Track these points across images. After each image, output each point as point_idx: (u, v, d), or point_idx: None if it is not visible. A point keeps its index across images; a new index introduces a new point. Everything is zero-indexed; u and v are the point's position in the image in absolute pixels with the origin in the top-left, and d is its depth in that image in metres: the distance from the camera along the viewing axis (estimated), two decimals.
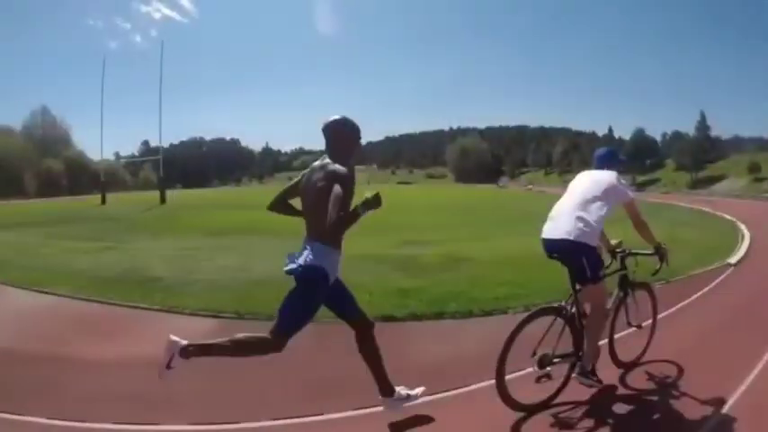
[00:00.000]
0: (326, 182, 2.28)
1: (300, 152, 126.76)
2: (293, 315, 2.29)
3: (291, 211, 2.59)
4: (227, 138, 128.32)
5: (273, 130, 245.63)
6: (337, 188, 2.22)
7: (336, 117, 2.48)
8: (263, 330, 2.33)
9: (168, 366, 2.25)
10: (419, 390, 2.62)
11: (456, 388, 2.87)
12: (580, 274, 2.74)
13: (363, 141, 2.70)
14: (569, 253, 2.74)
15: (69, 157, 65.34)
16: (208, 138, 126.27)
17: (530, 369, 2.65)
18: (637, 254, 3.11)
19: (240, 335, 2.31)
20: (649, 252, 3.04)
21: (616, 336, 3.16)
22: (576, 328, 2.79)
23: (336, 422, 2.53)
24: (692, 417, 2.56)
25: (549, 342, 2.65)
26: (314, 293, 2.30)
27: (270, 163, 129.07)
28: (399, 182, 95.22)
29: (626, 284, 3.13)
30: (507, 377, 2.51)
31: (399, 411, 2.54)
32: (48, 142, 65.68)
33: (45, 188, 55.24)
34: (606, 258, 3.03)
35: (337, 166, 2.32)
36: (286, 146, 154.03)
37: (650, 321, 3.38)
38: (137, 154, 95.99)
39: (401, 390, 2.57)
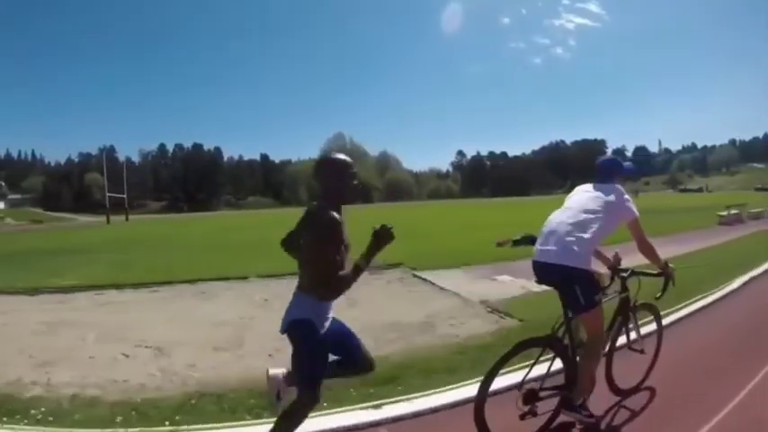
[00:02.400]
0: (312, 236, 2.13)
1: None
2: (305, 369, 2.19)
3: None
4: None
5: None
6: (330, 250, 2.04)
7: (327, 155, 2.31)
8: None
9: (279, 398, 2.26)
10: None
11: None
12: (573, 304, 2.52)
13: None
14: (560, 280, 2.53)
15: None
16: None
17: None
18: (641, 274, 2.85)
19: (286, 409, 2.23)
20: (654, 273, 2.79)
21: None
22: (569, 359, 2.59)
23: None
24: None
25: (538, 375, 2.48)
26: (309, 344, 2.17)
27: None
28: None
29: (627, 308, 2.90)
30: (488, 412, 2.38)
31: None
32: None
33: None
34: (605, 278, 2.81)
35: (325, 217, 2.08)
36: None
37: (654, 345, 3.16)
38: None
39: None
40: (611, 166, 2.81)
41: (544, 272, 2.58)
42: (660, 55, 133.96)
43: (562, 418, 2.60)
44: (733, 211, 16.83)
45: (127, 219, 41.98)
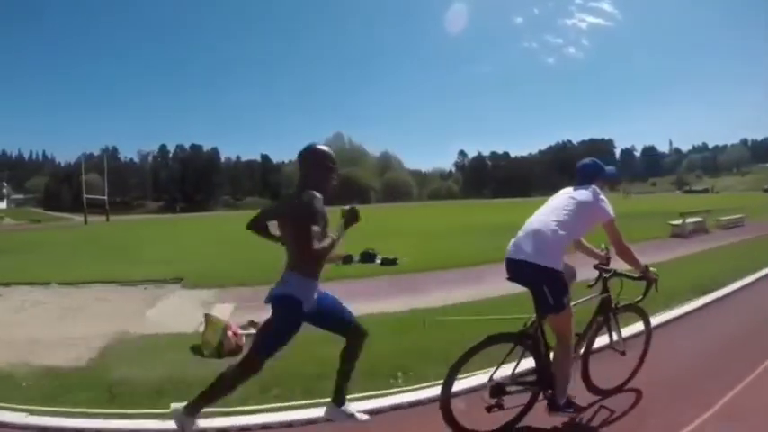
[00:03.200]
0: (301, 214, 2.29)
1: None
2: (267, 339, 2.40)
3: (268, 234, 2.63)
4: None
5: None
6: (314, 227, 2.26)
7: (311, 145, 2.49)
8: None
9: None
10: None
11: None
12: (543, 304, 2.50)
13: None
14: (529, 278, 2.52)
15: None
16: None
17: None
18: (623, 275, 2.82)
19: (224, 371, 2.39)
20: (636, 276, 2.76)
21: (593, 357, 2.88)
22: (541, 355, 2.59)
23: None
24: None
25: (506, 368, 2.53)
26: (286, 321, 2.37)
27: None
28: None
29: (607, 309, 2.87)
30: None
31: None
32: None
33: None
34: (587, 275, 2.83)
35: (311, 195, 2.31)
36: None
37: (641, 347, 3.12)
38: None
39: (349, 406, 2.60)
40: (592, 170, 2.80)
41: (515, 269, 2.59)
42: (672, 54, 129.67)
43: (533, 413, 2.60)
44: (694, 219, 14.09)
45: (107, 219, 42.40)
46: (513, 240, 2.65)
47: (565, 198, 2.69)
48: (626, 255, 2.65)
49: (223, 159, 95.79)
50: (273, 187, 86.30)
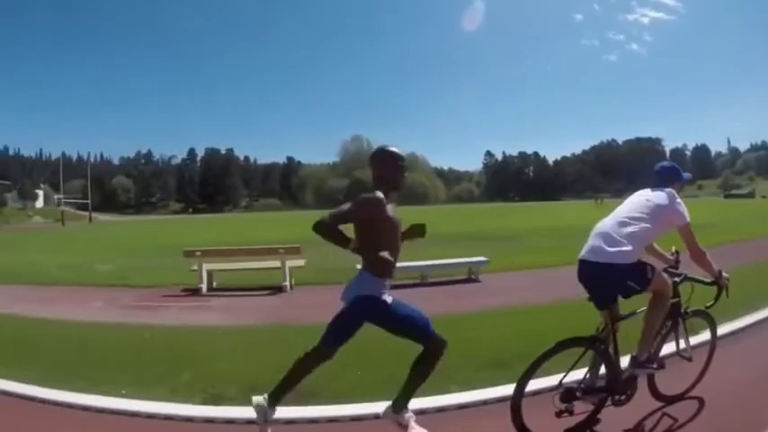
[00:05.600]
0: (358, 212, 2.42)
1: None
2: (338, 330, 2.48)
3: (337, 236, 2.45)
4: None
5: None
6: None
7: (383, 147, 2.60)
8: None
9: (266, 420, 2.49)
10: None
11: None
12: (632, 293, 2.55)
13: None
14: (608, 278, 2.54)
15: None
16: None
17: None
18: (693, 280, 2.80)
19: (299, 357, 2.49)
20: (707, 280, 2.74)
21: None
22: (611, 361, 2.58)
23: None
24: None
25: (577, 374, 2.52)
26: (357, 317, 2.45)
27: None
28: None
29: (677, 314, 2.82)
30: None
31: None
32: None
33: None
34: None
35: (367, 195, 2.41)
36: None
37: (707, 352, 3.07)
38: None
39: (411, 417, 2.55)
40: (670, 173, 2.82)
41: (589, 270, 2.59)
42: (735, 47, 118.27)
43: (600, 418, 2.60)
44: None
45: (90, 221, 45.01)
46: (588, 242, 2.66)
47: (641, 200, 2.70)
48: (701, 259, 2.66)
49: (243, 161, 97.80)
50: (291, 189, 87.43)
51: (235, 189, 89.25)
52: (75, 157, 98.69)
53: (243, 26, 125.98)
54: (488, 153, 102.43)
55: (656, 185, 2.75)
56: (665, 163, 2.88)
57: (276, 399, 2.48)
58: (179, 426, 2.82)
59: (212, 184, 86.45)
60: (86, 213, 62.68)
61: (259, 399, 2.49)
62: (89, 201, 47.08)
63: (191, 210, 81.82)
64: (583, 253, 2.64)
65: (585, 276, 2.62)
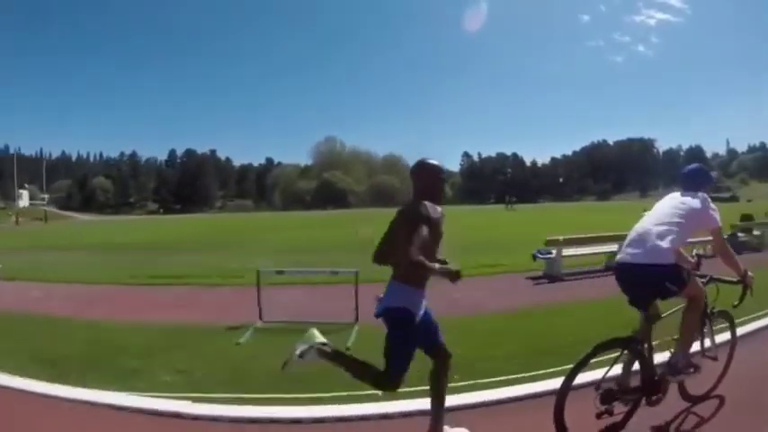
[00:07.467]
0: (397, 221, 2.41)
1: None
2: (394, 359, 2.33)
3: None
4: None
5: None
6: (406, 226, 2.28)
7: (423, 160, 2.55)
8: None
9: (301, 356, 2.39)
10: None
11: None
12: (668, 294, 2.61)
13: None
14: (646, 280, 2.58)
15: None
16: None
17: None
18: (719, 280, 2.86)
19: (370, 365, 2.39)
20: (733, 280, 2.81)
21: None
22: (647, 361, 2.64)
23: None
24: None
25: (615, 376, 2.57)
26: (401, 333, 2.31)
27: None
28: None
29: (703, 315, 2.87)
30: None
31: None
32: None
33: None
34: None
35: (412, 207, 2.36)
36: None
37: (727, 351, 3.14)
38: None
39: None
40: (700, 176, 2.86)
41: (628, 272, 2.64)
42: (742, 49, 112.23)
43: (636, 418, 2.63)
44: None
45: (45, 221, 46.06)
46: (625, 245, 2.69)
47: (674, 203, 2.75)
48: (730, 259, 2.73)
49: (225, 162, 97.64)
50: (264, 190, 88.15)
51: (209, 190, 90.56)
52: (56, 156, 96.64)
53: (243, 26, 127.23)
54: (465, 154, 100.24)
55: (686, 188, 2.80)
56: (694, 166, 2.93)
57: (323, 354, 2.40)
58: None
59: (189, 184, 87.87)
60: (69, 213, 64.42)
61: (319, 337, 2.44)
62: (45, 201, 48.96)
63: (161, 210, 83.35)
64: (621, 255, 2.69)
65: (624, 278, 2.66)
